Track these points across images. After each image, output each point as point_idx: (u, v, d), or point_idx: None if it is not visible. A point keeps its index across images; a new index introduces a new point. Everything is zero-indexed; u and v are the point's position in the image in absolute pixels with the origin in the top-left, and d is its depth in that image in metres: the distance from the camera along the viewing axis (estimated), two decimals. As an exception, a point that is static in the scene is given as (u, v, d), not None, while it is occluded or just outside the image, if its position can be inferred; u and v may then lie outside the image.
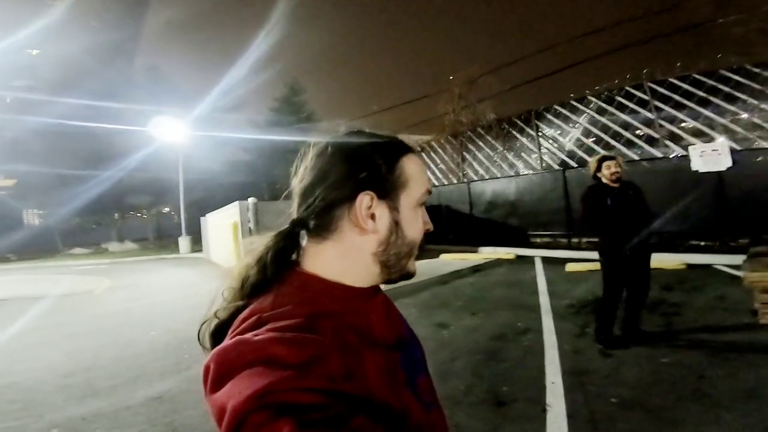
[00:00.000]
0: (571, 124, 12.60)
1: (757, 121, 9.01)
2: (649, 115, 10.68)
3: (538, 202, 10.63)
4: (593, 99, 12.09)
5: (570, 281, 6.49)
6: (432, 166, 16.43)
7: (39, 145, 23.63)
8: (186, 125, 21.71)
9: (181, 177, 21.45)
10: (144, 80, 27.40)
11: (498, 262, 9.23)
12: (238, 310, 0.53)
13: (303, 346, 0.44)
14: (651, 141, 10.61)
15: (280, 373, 0.40)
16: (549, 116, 13.17)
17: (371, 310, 0.58)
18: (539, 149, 13.16)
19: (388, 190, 0.57)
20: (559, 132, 12.92)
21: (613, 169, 3.56)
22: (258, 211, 9.21)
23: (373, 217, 0.56)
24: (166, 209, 35.46)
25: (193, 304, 7.02)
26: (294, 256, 0.59)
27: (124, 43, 39.77)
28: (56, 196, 23.96)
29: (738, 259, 5.50)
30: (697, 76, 10.04)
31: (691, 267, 6.67)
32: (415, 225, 0.60)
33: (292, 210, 0.62)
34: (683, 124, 10.26)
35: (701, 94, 9.88)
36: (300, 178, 0.61)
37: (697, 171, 7.71)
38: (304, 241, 0.59)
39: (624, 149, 10.82)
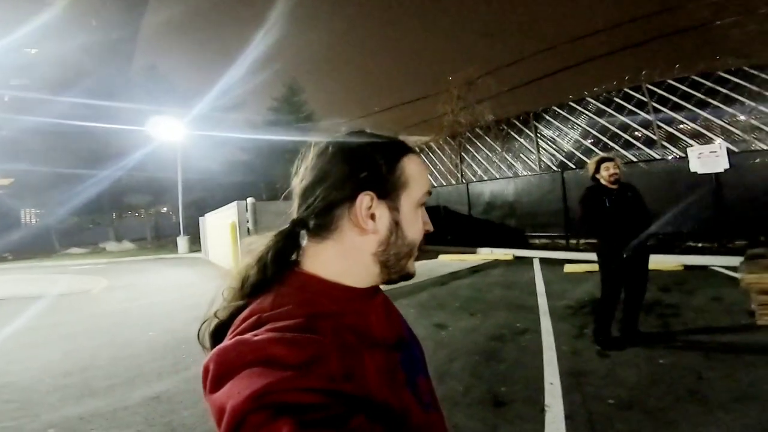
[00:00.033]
0: (569, 126, 12.61)
1: (755, 123, 9.04)
2: (647, 116, 10.69)
3: (536, 204, 10.64)
4: (591, 100, 12.10)
5: (568, 282, 6.50)
6: (430, 166, 16.43)
7: (37, 144, 23.50)
8: (184, 125, 21.68)
9: (179, 177, 21.42)
10: (142, 80, 27.27)
11: (496, 263, 9.25)
12: (237, 310, 0.53)
13: (302, 346, 0.44)
14: (649, 142, 10.62)
15: (280, 373, 0.40)
16: (547, 117, 13.17)
17: (371, 310, 0.58)
18: (538, 150, 13.17)
19: (388, 190, 0.57)
20: (557, 133, 12.92)
21: (611, 171, 3.57)
22: (256, 211, 9.20)
23: (373, 217, 0.56)
24: (164, 209, 35.34)
25: (191, 304, 7.01)
26: (294, 256, 0.59)
27: (122, 42, 39.67)
28: (54, 195, 23.85)
29: (735, 260, 5.51)
30: (696, 78, 10.06)
31: (688, 268, 6.70)
32: (415, 225, 0.60)
33: (293, 210, 0.62)
34: (681, 126, 10.27)
35: (699, 95, 9.89)
36: (300, 177, 0.61)
37: (695, 172, 7.74)
38: (304, 241, 0.59)
39: (622, 151, 10.83)
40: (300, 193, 0.60)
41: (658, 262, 6.03)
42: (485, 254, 10.60)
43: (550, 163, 12.78)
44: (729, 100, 9.45)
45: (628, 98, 11.29)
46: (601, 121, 11.69)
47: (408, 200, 0.59)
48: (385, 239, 0.57)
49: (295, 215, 0.60)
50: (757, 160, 7.49)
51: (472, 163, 15.27)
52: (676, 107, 10.25)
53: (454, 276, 7.94)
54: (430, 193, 0.63)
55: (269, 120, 24.79)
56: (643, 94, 10.94)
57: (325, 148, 0.60)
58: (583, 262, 7.61)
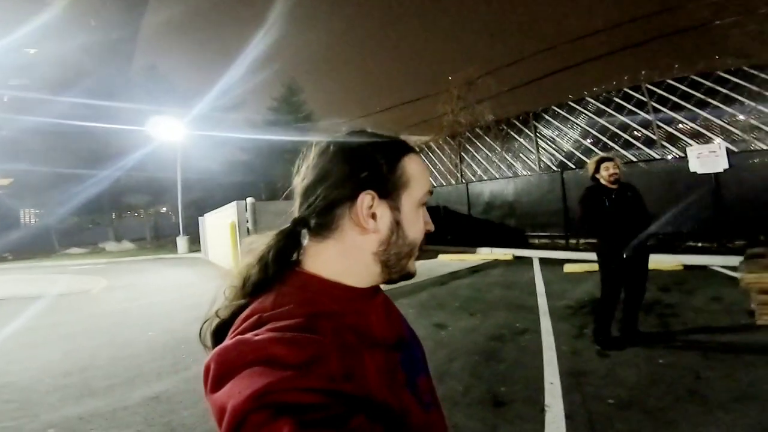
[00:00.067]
0: (569, 126, 12.61)
1: (754, 122, 9.04)
2: (646, 116, 10.70)
3: (536, 203, 10.65)
4: (591, 100, 12.10)
5: (568, 282, 6.50)
6: (430, 166, 16.44)
7: (36, 144, 23.48)
8: (184, 125, 21.67)
9: (179, 176, 21.41)
10: (142, 80, 27.24)
11: (496, 263, 9.25)
12: (239, 309, 0.54)
13: (303, 346, 0.44)
14: (649, 142, 10.63)
15: (280, 373, 0.40)
16: (547, 117, 13.18)
17: (371, 310, 0.58)
18: (537, 150, 13.17)
19: (389, 189, 0.57)
20: (557, 133, 12.93)
21: (611, 171, 3.58)
22: (256, 211, 9.19)
23: (374, 216, 0.56)
24: (164, 209, 35.34)
25: (191, 304, 7.01)
26: (295, 256, 0.60)
27: (122, 42, 39.63)
28: (53, 195, 23.83)
29: (735, 260, 5.52)
30: (695, 78, 10.06)
31: (688, 268, 6.70)
32: (416, 225, 0.60)
33: (294, 209, 0.62)
34: (681, 126, 10.28)
35: (699, 95, 9.90)
36: (302, 177, 0.61)
37: (694, 172, 7.75)
38: (305, 241, 0.60)
39: (622, 151, 10.84)
40: (301, 193, 0.60)
41: (657, 261, 6.04)
42: (485, 254, 10.60)
43: (549, 163, 12.79)
44: (728, 100, 9.46)
45: (627, 98, 11.30)
46: (601, 121, 11.70)
47: (409, 200, 0.59)
48: (386, 239, 0.57)
49: (296, 214, 0.60)
50: (757, 160, 7.50)
51: (472, 163, 15.28)
52: (676, 107, 10.26)
53: (454, 276, 7.95)
54: (431, 192, 0.63)
55: (269, 120, 24.79)
56: (642, 94, 10.94)
57: (327, 147, 0.60)
58: (582, 262, 7.61)
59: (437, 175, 16.33)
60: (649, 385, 2.87)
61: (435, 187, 13.98)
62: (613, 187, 3.59)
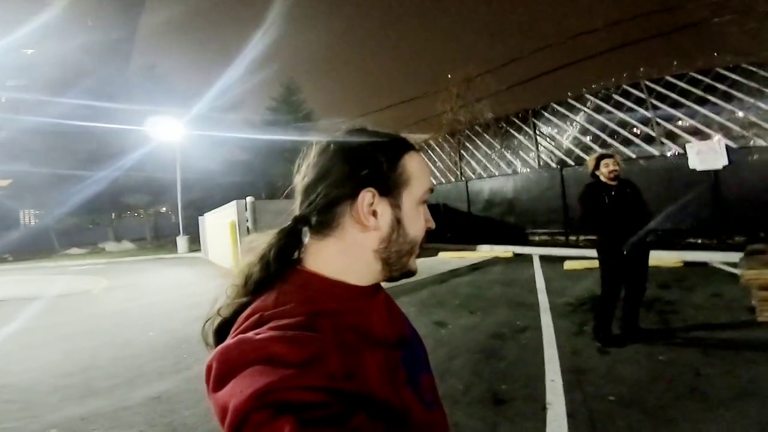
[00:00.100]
0: (568, 123, 12.63)
1: (753, 119, 9.05)
2: (646, 113, 10.71)
3: (535, 201, 10.66)
4: (590, 97, 12.12)
5: (568, 279, 6.51)
6: (429, 164, 16.42)
7: (35, 144, 23.42)
8: (183, 125, 21.65)
9: (178, 176, 21.40)
10: (141, 80, 27.19)
11: (496, 261, 9.26)
12: (241, 308, 0.54)
13: (303, 344, 0.44)
14: (648, 139, 10.64)
15: (281, 371, 0.40)
16: (546, 114, 13.19)
17: (372, 308, 0.58)
18: (537, 148, 13.19)
19: (390, 187, 0.57)
20: (556, 130, 12.94)
21: (611, 168, 3.57)
22: (256, 210, 9.19)
23: (374, 214, 0.56)
24: (164, 209, 35.32)
25: (191, 303, 7.01)
26: (296, 254, 0.60)
27: (121, 42, 39.59)
28: (53, 196, 23.79)
29: (735, 256, 5.53)
30: (694, 75, 10.08)
31: (688, 265, 6.71)
32: (417, 223, 0.60)
33: (295, 207, 0.62)
34: (680, 123, 10.30)
35: (698, 92, 9.92)
36: (302, 175, 0.61)
37: (694, 169, 7.76)
38: (306, 239, 0.60)
39: (621, 147, 10.86)
40: (302, 191, 0.60)
41: (657, 258, 6.05)
42: (485, 251, 10.61)
43: (549, 160, 12.80)
44: (727, 97, 9.47)
45: (626, 95, 11.30)
46: (600, 118, 11.71)
47: (409, 197, 0.59)
48: (386, 236, 0.57)
49: (297, 212, 0.60)
50: (756, 157, 7.50)
51: (472, 161, 15.29)
52: (675, 104, 10.27)
53: (454, 273, 7.95)
54: (431, 190, 0.63)
55: (268, 119, 24.78)
56: (641, 91, 10.95)
57: (327, 145, 0.60)
58: (583, 259, 7.61)
59: (437, 172, 16.35)
60: (650, 382, 2.87)
61: (435, 185, 13.98)
62: (613, 183, 3.59)
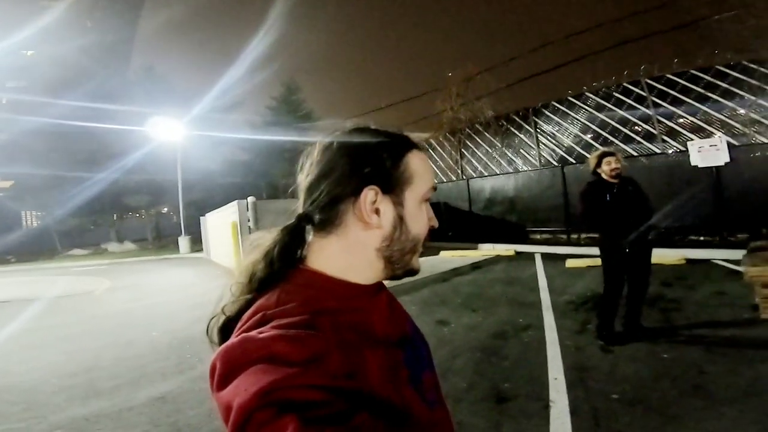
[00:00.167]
0: (569, 121, 12.58)
1: (754, 116, 9.02)
2: (647, 111, 10.67)
3: (537, 199, 10.65)
4: (591, 95, 12.07)
5: (570, 277, 6.50)
6: (430, 163, 16.37)
7: (36, 146, 23.47)
8: (183, 125, 21.67)
9: (179, 177, 21.43)
10: (141, 80, 27.19)
11: (497, 259, 9.25)
12: (245, 305, 0.54)
13: (305, 343, 0.44)
14: (649, 137, 10.61)
15: (284, 370, 0.40)
16: (547, 113, 13.14)
17: (374, 307, 0.58)
18: (537, 146, 13.15)
19: (392, 185, 0.57)
20: (557, 128, 12.90)
21: (613, 165, 3.56)
22: (257, 210, 9.20)
23: (377, 212, 0.56)
24: (165, 209, 35.37)
25: (194, 304, 7.02)
26: (299, 252, 0.60)
27: (121, 43, 39.64)
28: (54, 197, 23.84)
29: (737, 253, 5.51)
30: (695, 72, 10.03)
31: (690, 262, 6.70)
32: (420, 221, 0.60)
33: (298, 205, 0.62)
34: (681, 120, 10.25)
35: (699, 90, 9.87)
36: (306, 173, 0.61)
37: (695, 166, 7.74)
38: (309, 236, 0.60)
39: (622, 145, 10.82)
40: (305, 189, 0.60)
41: (660, 255, 6.03)
42: (487, 250, 10.61)
43: (550, 159, 12.77)
44: (728, 94, 9.43)
45: (627, 93, 11.26)
46: (601, 115, 11.67)
47: (412, 195, 0.59)
48: (389, 234, 0.57)
49: (300, 210, 0.60)
50: (758, 154, 7.49)
51: (472, 159, 15.26)
52: (676, 101, 10.23)
53: (456, 272, 7.95)
54: (435, 188, 0.63)
55: (268, 119, 24.80)
56: (642, 89, 10.91)
57: (330, 143, 0.60)
58: (584, 257, 7.60)
59: (438, 171, 16.32)
60: (653, 380, 2.87)
61: (436, 183, 13.95)
62: (615, 181, 3.58)
